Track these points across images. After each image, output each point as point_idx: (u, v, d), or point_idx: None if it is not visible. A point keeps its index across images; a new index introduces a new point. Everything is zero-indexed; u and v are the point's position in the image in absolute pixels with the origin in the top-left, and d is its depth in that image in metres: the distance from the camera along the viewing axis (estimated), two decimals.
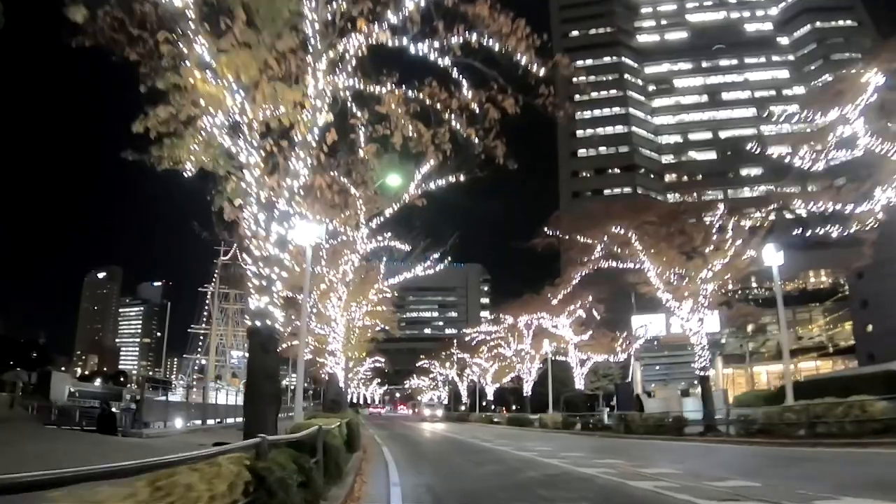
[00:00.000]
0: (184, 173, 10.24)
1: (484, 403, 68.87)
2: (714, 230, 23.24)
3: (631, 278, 25.52)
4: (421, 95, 11.63)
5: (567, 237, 26.48)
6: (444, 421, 42.66)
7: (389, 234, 21.80)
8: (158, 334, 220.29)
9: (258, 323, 8.51)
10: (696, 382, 53.71)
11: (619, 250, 24.40)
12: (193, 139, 9.78)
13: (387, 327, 34.29)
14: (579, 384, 38.17)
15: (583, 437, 28.71)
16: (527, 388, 45.70)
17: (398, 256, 22.64)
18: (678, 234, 23.08)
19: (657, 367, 45.46)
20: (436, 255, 23.06)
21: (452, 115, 11.80)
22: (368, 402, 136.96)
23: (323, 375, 22.21)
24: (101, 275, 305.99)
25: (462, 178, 17.13)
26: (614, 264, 25.42)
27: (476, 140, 12.10)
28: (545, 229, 25.86)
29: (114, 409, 20.60)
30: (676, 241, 23.26)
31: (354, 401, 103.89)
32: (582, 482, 10.96)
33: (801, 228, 22.88)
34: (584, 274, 27.23)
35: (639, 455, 16.98)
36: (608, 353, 37.52)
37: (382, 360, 73.91)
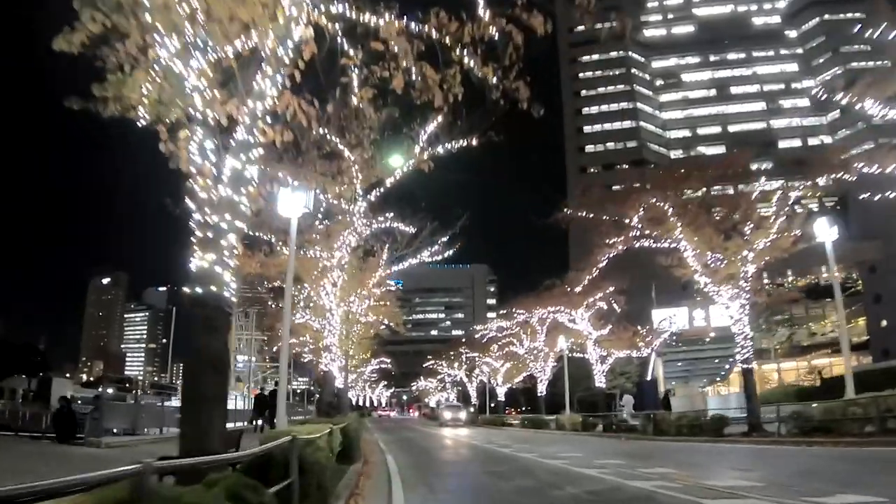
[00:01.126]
0: (136, 122, 7.71)
1: (492, 405, 66.06)
2: (756, 202, 20.76)
3: (663, 261, 22.95)
4: (427, 29, 9.17)
5: (592, 215, 24.02)
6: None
7: (391, 214, 19.38)
8: (164, 341, 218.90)
9: (200, 290, 5.99)
10: (717, 380, 51.39)
11: (650, 230, 21.85)
12: (146, 74, 7.24)
13: (392, 324, 31.75)
14: (599, 382, 35.44)
15: (608, 439, 26.11)
16: (541, 388, 43.03)
17: (401, 241, 20.13)
18: (720, 204, 20.59)
19: (679, 364, 42.75)
20: (444, 239, 20.58)
21: (465, 51, 9.31)
22: (375, 404, 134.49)
23: (321, 373, 19.83)
24: (105, 280, 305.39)
25: (475, 141, 14.61)
26: (643, 244, 22.85)
27: (494, 81, 9.56)
28: (565, 209, 23.36)
29: (78, 409, 17.96)
30: (716, 216, 20.76)
31: (360, 403, 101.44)
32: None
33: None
34: (610, 256, 24.62)
35: (689, 461, 14.42)
36: (630, 348, 34.83)
37: (388, 360, 71.32)
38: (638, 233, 22.52)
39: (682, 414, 24.64)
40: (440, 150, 14.78)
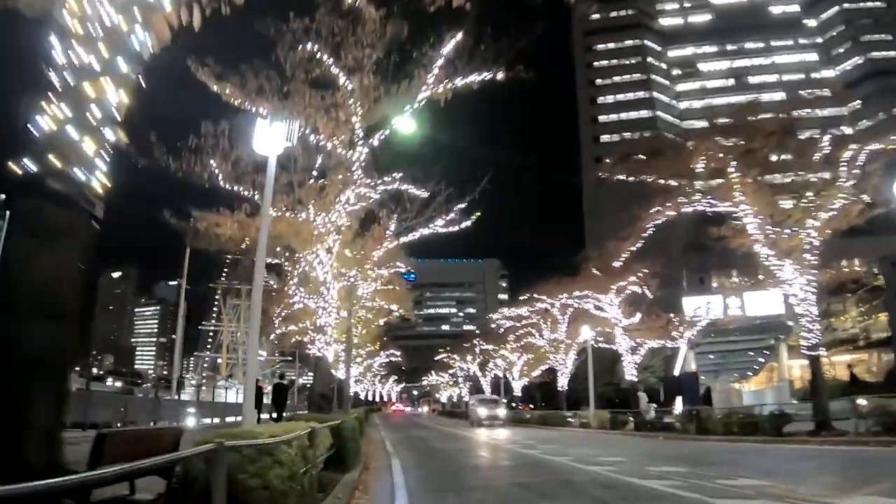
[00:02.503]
0: None
1: (506, 400, 63.05)
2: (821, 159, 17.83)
3: (715, 232, 20.00)
4: None
5: (632, 178, 21.10)
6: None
7: (399, 174, 16.52)
8: (174, 337, 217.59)
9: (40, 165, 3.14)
10: (749, 374, 48.13)
11: (706, 191, 18.92)
12: None
13: (401, 311, 28.89)
14: (630, 375, 32.28)
15: (644, 439, 23.12)
16: (562, 382, 39.99)
17: (412, 207, 17.20)
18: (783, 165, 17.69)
19: (711, 357, 39.55)
20: (461, 205, 17.67)
21: None
22: (385, 399, 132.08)
23: (313, 359, 16.73)
24: (115, 274, 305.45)
25: (501, 74, 11.73)
26: (696, 209, 19.91)
27: None
28: (601, 174, 20.44)
29: None
30: (779, 178, 17.86)
31: (369, 399, 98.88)
32: None
33: None
34: (655, 224, 21.59)
35: (774, 469, 11.46)
36: (662, 338, 31.71)
37: (398, 353, 68.45)
38: (687, 197, 19.57)
39: (730, 410, 21.65)
40: (458, 82, 11.85)
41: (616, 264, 21.97)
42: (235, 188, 12.97)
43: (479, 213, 18.85)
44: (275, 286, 17.52)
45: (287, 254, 15.75)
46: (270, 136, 9.86)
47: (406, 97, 11.90)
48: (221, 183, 12.70)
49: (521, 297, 37.78)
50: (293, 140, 9.40)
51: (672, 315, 33.19)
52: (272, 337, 29.22)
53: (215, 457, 3.63)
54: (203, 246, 15.72)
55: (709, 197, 19.10)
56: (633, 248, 20.16)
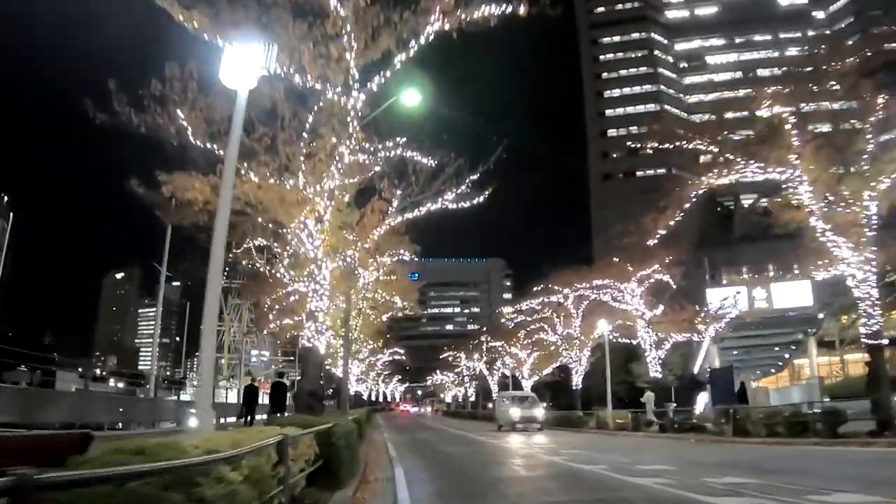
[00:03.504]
0: None
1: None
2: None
3: (759, 203, 17.83)
4: None
5: (670, 146, 18.95)
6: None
7: (403, 139, 14.43)
8: (178, 339, 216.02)
9: None
10: (772, 371, 45.70)
11: (755, 155, 16.76)
12: None
13: (405, 304, 26.74)
14: (655, 371, 29.84)
15: (675, 441, 20.92)
16: (576, 380, 37.69)
17: (419, 177, 15.02)
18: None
19: (734, 353, 37.20)
20: (474, 176, 15.51)
21: None
22: (389, 399, 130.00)
23: (301, 350, 14.00)
24: (119, 275, 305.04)
25: (523, 9, 9.60)
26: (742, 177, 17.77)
27: None
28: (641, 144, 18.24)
29: None
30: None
31: (373, 399, 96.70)
32: None
33: None
34: (694, 196, 19.32)
35: (860, 477, 9.28)
36: (686, 331, 29.34)
37: (402, 351, 66.24)
38: (730, 166, 17.41)
39: (773, 409, 19.43)
40: (474, 14, 9.68)
41: (651, 242, 19.75)
42: (209, 146, 10.87)
43: (492, 188, 16.73)
44: (260, 269, 15.36)
45: (274, 229, 13.60)
46: (241, 63, 7.72)
47: (411, 29, 9.80)
48: (192, 139, 10.62)
49: (535, 288, 35.26)
50: (271, 67, 7.24)
51: (697, 307, 30.86)
52: (265, 332, 27.08)
53: None
54: (179, 220, 13.62)
55: (757, 162, 16.88)
56: (674, 221, 17.98)
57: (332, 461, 8.22)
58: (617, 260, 27.98)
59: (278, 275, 14.48)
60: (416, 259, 24.11)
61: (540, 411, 30.52)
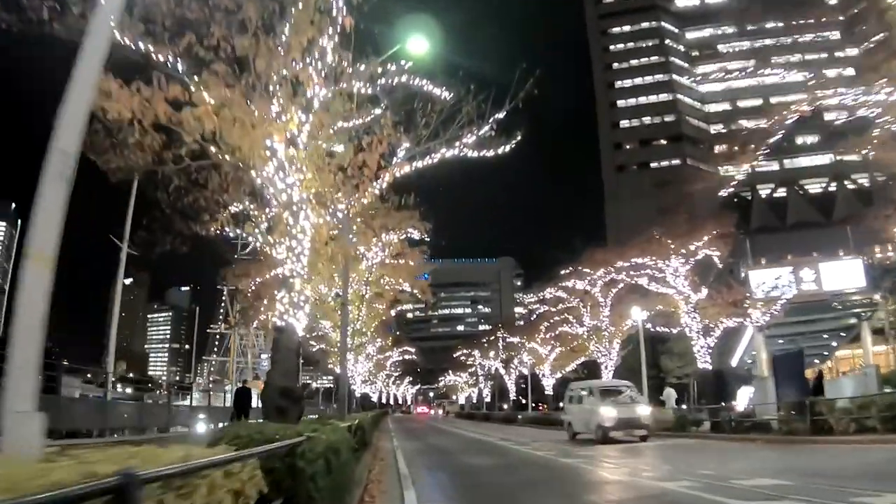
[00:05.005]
0: None
1: (522, 401, 57.07)
2: None
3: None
4: None
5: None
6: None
7: (408, 63, 11.17)
8: (187, 347, 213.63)
9: None
10: (816, 361, 41.71)
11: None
12: None
13: (414, 290, 23.44)
14: (704, 362, 26.08)
15: (739, 443, 17.40)
16: (606, 376, 34.07)
17: (432, 112, 11.73)
18: None
19: (780, 341, 33.53)
20: (499, 115, 12.20)
21: None
22: (400, 402, 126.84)
23: (272, 333, 10.51)
24: (127, 281, 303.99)
25: None
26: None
27: None
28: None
29: None
30: None
31: (382, 401, 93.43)
32: None
33: None
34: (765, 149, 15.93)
35: None
36: (737, 316, 25.64)
37: (413, 350, 62.83)
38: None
39: (867, 399, 16.02)
40: None
41: (738, 171, 16.27)
42: (142, 46, 7.61)
43: (519, 135, 13.40)
44: (231, 234, 12.01)
45: (250, 186, 10.25)
46: None
47: None
48: (119, 37, 7.41)
49: (566, 271, 31.35)
50: None
51: (746, 290, 27.29)
52: (255, 324, 23.90)
53: None
54: (125, 173, 10.37)
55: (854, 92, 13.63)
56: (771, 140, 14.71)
57: (299, 496, 4.96)
58: (657, 235, 24.46)
59: (251, 239, 11.23)
60: (427, 238, 20.79)
61: (645, 409, 20.60)
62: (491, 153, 13.13)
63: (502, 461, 14.00)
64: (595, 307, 32.81)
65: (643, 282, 26.80)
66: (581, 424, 21.53)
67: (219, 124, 8.51)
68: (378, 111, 11.74)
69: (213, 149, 9.45)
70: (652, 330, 29.15)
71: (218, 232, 12.74)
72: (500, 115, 12.45)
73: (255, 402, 18.81)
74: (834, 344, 34.50)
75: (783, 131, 19.25)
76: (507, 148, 13.44)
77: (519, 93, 12.55)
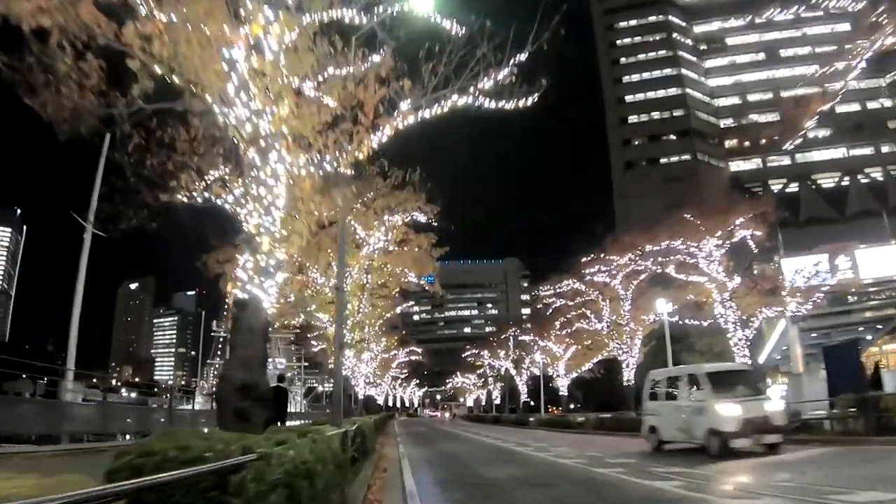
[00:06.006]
0: None
1: (529, 402, 54.75)
2: None
3: None
4: None
5: None
6: (485, 426, 23.74)
7: None
8: (193, 353, 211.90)
9: None
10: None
11: None
12: None
13: (422, 282, 21.32)
14: (742, 357, 23.49)
15: (792, 447, 15.02)
16: (627, 375, 31.76)
17: (448, 51, 9.70)
18: None
19: (813, 335, 31.17)
20: (521, 55, 10.14)
21: None
22: (407, 405, 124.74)
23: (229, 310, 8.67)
24: (133, 286, 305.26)
25: None
26: None
27: None
28: None
29: None
30: None
31: (389, 404, 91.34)
32: None
33: None
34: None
35: None
36: (774, 305, 23.20)
37: (419, 350, 60.61)
38: None
39: None
40: None
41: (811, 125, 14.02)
42: None
43: (544, 86, 11.31)
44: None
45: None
46: None
47: None
48: None
49: (587, 258, 28.87)
50: None
51: (782, 278, 24.90)
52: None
53: None
54: (52, 106, 8.27)
55: None
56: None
57: None
58: (689, 216, 22.06)
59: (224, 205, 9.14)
60: (434, 223, 18.66)
61: (778, 405, 15.02)
62: (511, 105, 11.06)
63: (528, 472, 11.88)
64: (615, 301, 30.51)
65: (669, 270, 24.47)
66: (674, 429, 15.35)
67: (171, 47, 6.45)
68: (377, 58, 9.68)
69: (174, 79, 7.36)
70: (680, 323, 26.83)
71: (186, 200, 10.72)
72: (523, 57, 10.38)
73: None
74: (869, 337, 32.09)
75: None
76: (530, 101, 11.37)
77: (542, 35, 10.52)
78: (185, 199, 10.59)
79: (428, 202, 17.90)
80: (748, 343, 22.76)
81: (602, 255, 27.65)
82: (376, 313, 22.78)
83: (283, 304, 18.83)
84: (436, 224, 18.82)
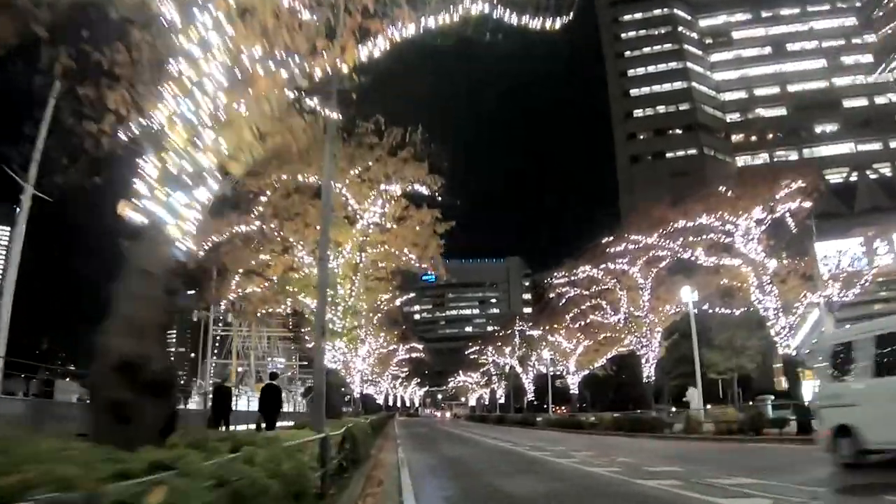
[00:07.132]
0: None
1: (534, 401, 52.54)
2: None
3: None
4: None
5: None
6: (480, 426, 22.15)
7: None
8: (192, 355, 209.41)
9: None
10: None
11: None
12: None
13: (425, 266, 19.06)
14: (785, 348, 20.87)
15: None
16: (647, 371, 29.29)
17: None
18: None
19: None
20: None
21: None
22: (408, 405, 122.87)
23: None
24: None
25: None
26: None
27: None
28: None
29: None
30: None
31: (389, 403, 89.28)
32: None
33: None
34: None
35: None
36: (812, 290, 20.72)
37: (420, 347, 58.34)
38: None
39: None
40: None
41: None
42: None
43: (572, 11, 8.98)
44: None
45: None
46: None
47: None
48: None
49: (605, 240, 26.44)
50: None
51: (825, 262, 22.54)
52: (224, 303, 19.56)
53: None
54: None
55: None
56: None
57: None
58: (725, 189, 19.53)
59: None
60: (439, 197, 16.36)
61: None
62: (536, 24, 8.74)
63: (557, 486, 9.54)
64: (633, 290, 28.08)
65: (698, 254, 21.93)
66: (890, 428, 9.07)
67: None
68: None
69: None
70: (710, 312, 24.50)
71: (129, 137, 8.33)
72: None
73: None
74: None
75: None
76: (558, 24, 9.04)
77: None
78: (125, 138, 8.24)
79: (430, 172, 15.65)
80: (791, 332, 20.29)
81: (626, 235, 25.16)
82: (372, 298, 20.46)
83: (268, 288, 16.56)
84: (440, 198, 16.60)
